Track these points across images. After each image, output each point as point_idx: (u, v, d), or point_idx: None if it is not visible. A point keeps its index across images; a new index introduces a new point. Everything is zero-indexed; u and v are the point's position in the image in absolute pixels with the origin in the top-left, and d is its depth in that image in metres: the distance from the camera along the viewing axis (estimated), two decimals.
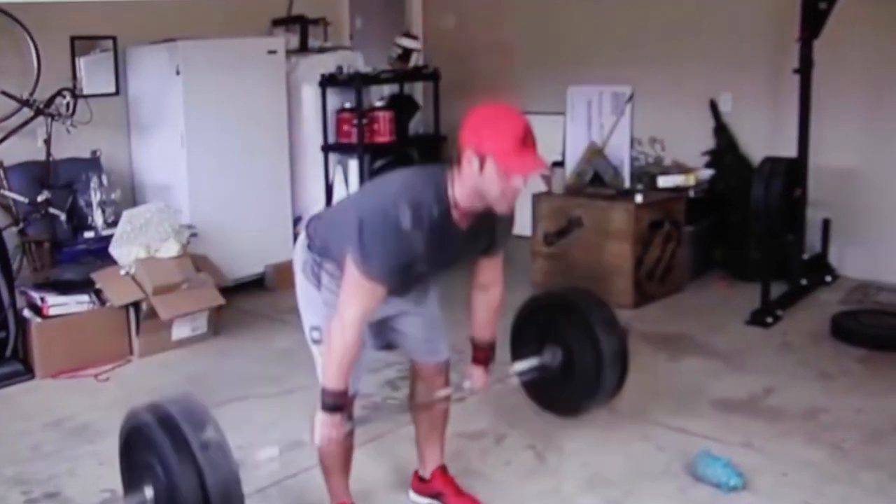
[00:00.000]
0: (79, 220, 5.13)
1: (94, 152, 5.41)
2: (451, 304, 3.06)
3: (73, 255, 5.02)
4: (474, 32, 7.27)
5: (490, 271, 2.89)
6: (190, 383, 4.29)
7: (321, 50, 6.41)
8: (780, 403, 4.01)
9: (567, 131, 5.89)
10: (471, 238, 2.68)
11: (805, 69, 5.17)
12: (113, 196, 5.17)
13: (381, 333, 2.94)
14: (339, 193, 6.13)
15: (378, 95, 6.48)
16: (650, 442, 3.64)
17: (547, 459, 3.53)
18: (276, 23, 6.47)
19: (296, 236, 3.64)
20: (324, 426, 2.66)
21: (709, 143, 6.25)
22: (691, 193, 5.84)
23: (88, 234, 5.07)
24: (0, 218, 5.06)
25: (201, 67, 5.45)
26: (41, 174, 5.15)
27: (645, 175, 5.86)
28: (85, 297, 4.67)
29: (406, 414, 3.30)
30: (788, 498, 3.19)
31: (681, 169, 6.04)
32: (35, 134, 5.16)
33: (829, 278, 5.74)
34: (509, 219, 2.75)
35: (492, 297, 2.94)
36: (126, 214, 4.87)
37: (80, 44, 5.47)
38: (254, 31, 6.20)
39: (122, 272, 4.72)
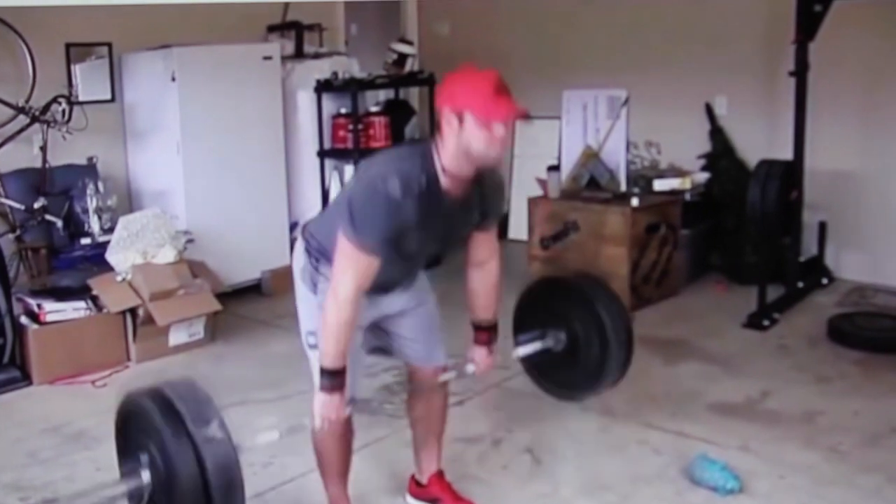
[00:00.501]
0: (75, 227, 5.12)
1: (90, 159, 5.40)
2: (452, 305, 3.05)
3: (70, 261, 5.01)
4: (469, 37, 7.26)
5: (485, 246, 2.86)
6: None
7: (316, 56, 6.41)
8: (777, 406, 4.01)
9: (563, 135, 5.91)
10: (463, 210, 2.65)
11: (800, 72, 5.17)
12: (109, 202, 5.16)
13: (378, 337, 2.92)
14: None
15: (374, 101, 6.47)
16: (647, 446, 3.64)
17: (544, 463, 3.53)
18: (272, 29, 6.47)
19: (292, 242, 3.64)
20: (323, 407, 2.63)
21: (705, 146, 6.24)
22: (687, 197, 5.84)
23: (85, 241, 5.06)
24: None
25: (197, 74, 5.45)
26: (37, 181, 5.15)
27: (641, 178, 5.87)
28: (82, 304, 4.67)
29: (403, 419, 3.30)
30: (785, 501, 3.19)
31: (677, 172, 6.04)
32: (31, 141, 5.15)
33: (825, 281, 5.74)
34: (500, 189, 2.75)
35: (489, 272, 2.89)
36: (122, 221, 4.86)
37: (76, 51, 5.46)
38: (249, 38, 6.19)
39: (119, 278, 4.72)
